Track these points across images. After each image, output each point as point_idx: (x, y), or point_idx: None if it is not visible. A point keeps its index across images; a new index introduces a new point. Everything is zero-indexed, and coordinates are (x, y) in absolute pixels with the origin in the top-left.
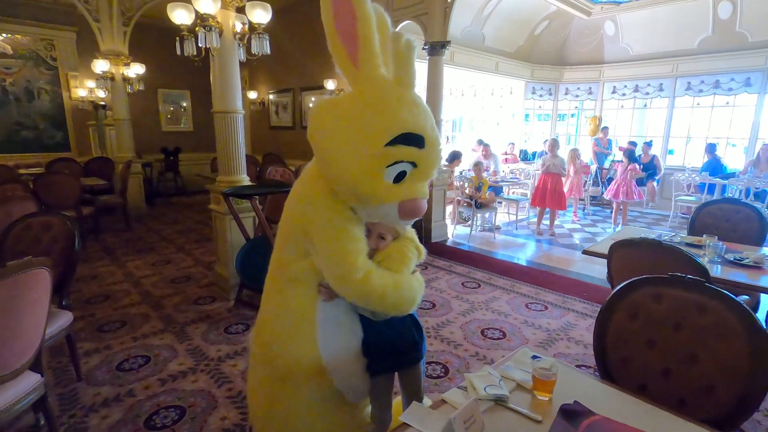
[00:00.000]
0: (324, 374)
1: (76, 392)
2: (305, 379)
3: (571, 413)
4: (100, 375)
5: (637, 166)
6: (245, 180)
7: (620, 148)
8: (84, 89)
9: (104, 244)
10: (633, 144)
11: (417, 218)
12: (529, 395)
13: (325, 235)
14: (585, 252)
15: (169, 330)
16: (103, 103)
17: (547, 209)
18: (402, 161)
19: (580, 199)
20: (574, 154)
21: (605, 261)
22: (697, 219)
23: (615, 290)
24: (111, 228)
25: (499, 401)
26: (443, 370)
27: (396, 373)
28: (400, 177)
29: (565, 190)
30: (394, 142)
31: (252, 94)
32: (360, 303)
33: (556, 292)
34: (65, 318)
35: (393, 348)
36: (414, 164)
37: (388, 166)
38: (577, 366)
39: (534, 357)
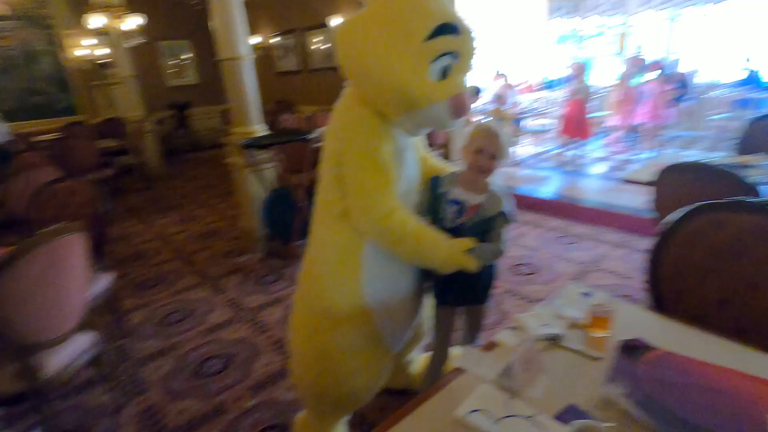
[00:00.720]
0: (365, 314)
1: (124, 348)
2: (346, 316)
3: (632, 348)
4: (145, 330)
5: (672, 86)
6: (261, 130)
7: (651, 66)
8: (82, 48)
9: (128, 205)
10: (664, 61)
11: (465, 116)
12: (582, 333)
13: (358, 163)
14: (627, 180)
15: (205, 284)
16: (104, 61)
17: (574, 139)
18: (444, 54)
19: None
20: (635, 62)
21: (639, 190)
22: (749, 136)
23: (673, 217)
24: (132, 188)
25: (554, 340)
26: None
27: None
28: (444, 72)
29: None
30: (432, 35)
31: (254, 40)
32: (375, 240)
33: (586, 224)
34: (107, 279)
35: (469, 282)
36: (455, 55)
37: (432, 62)
38: (614, 297)
39: (585, 294)
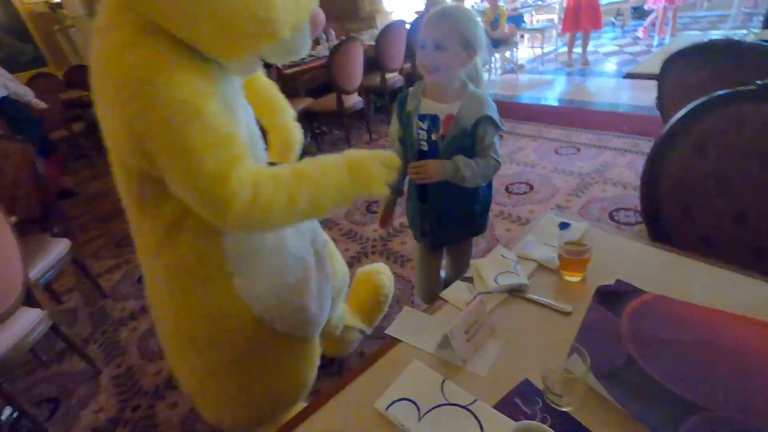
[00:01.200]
0: (260, 325)
1: (104, 309)
2: (239, 341)
3: (611, 295)
4: (123, 289)
5: None
6: None
7: None
8: None
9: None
10: None
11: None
12: (555, 277)
13: (177, 130)
14: (628, 75)
15: None
16: (58, 1)
17: (579, 34)
18: None
19: (619, 14)
20: None
21: (649, 86)
22: None
23: (677, 117)
24: None
25: (517, 292)
26: None
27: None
28: None
29: None
30: None
31: None
32: (246, 226)
33: (589, 131)
34: (61, 245)
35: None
36: None
37: None
38: (615, 210)
39: (562, 225)
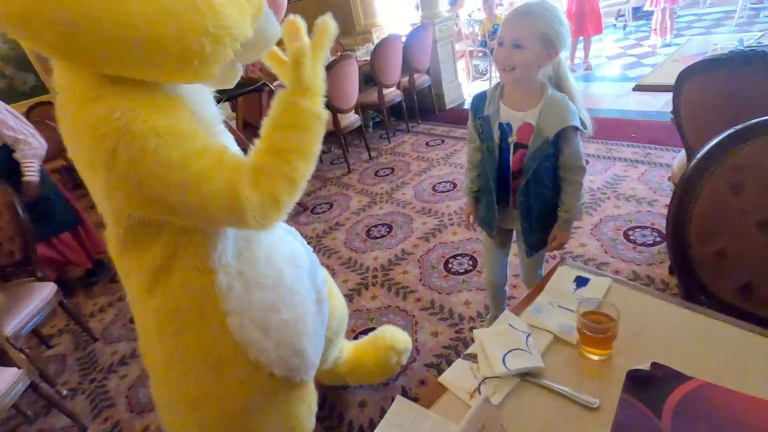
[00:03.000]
0: (257, 371)
1: (94, 353)
2: (234, 390)
3: (647, 384)
4: (115, 331)
5: None
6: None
7: None
8: None
9: None
10: None
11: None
12: (574, 352)
13: (182, 165)
14: (637, 88)
15: None
16: None
17: (581, 38)
18: None
19: (620, 15)
20: None
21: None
22: None
23: (707, 148)
24: None
25: (529, 376)
26: (471, 263)
27: None
28: None
29: None
30: None
31: None
32: (291, 203)
33: (598, 141)
34: (47, 290)
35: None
36: None
37: None
38: (630, 229)
39: (579, 281)
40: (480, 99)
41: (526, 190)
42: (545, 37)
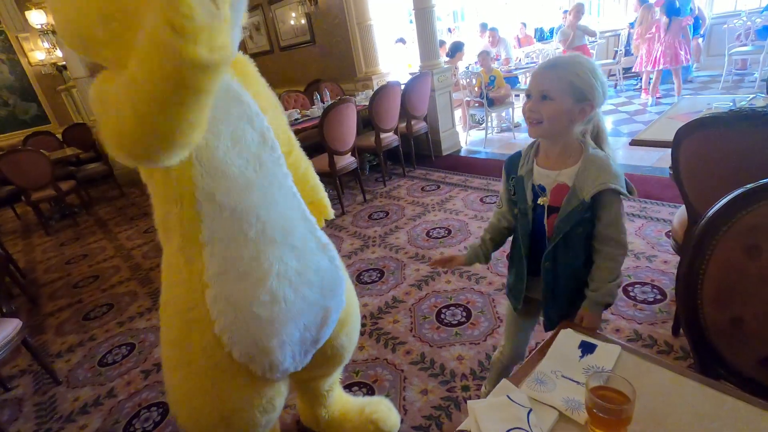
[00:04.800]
0: (218, 346)
1: (55, 399)
2: (198, 356)
3: None
4: (81, 374)
5: (685, 18)
6: None
7: (655, 3)
8: (41, 51)
9: (97, 217)
10: None
11: None
12: (582, 431)
13: None
14: (634, 143)
15: (156, 308)
16: (64, 63)
17: None
18: None
19: (611, 75)
20: (648, 11)
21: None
22: None
23: (717, 208)
24: (105, 197)
25: None
26: (464, 314)
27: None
28: None
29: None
30: None
31: None
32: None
33: None
34: (10, 327)
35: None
36: None
37: None
38: (630, 285)
39: (584, 347)
40: (514, 159)
41: (553, 256)
42: (576, 89)
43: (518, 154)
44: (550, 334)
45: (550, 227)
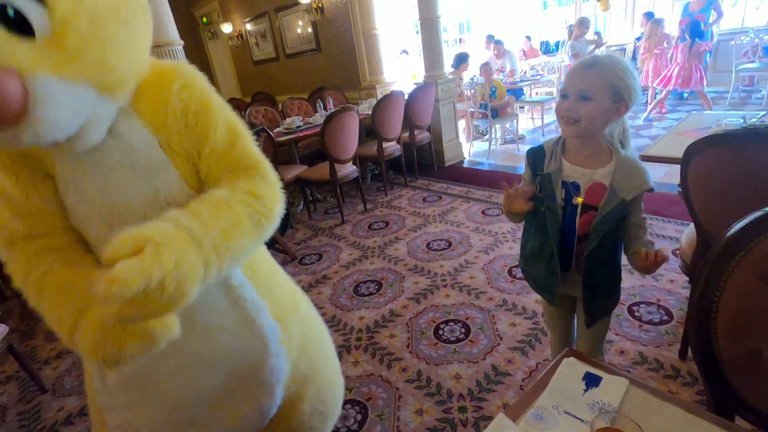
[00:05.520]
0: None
1: (40, 407)
2: None
3: None
4: (68, 382)
5: (706, 44)
6: None
7: (680, 23)
8: None
9: None
10: (690, 16)
11: None
12: None
13: None
14: (643, 158)
15: None
16: None
17: None
18: None
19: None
20: (656, 26)
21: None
22: None
23: (732, 232)
24: None
25: None
26: (463, 330)
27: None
28: None
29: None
30: None
31: (226, 27)
32: None
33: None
34: None
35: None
36: None
37: None
38: (635, 305)
39: (588, 379)
40: (538, 153)
41: (594, 256)
42: (615, 89)
43: (540, 149)
44: (550, 362)
45: (583, 225)
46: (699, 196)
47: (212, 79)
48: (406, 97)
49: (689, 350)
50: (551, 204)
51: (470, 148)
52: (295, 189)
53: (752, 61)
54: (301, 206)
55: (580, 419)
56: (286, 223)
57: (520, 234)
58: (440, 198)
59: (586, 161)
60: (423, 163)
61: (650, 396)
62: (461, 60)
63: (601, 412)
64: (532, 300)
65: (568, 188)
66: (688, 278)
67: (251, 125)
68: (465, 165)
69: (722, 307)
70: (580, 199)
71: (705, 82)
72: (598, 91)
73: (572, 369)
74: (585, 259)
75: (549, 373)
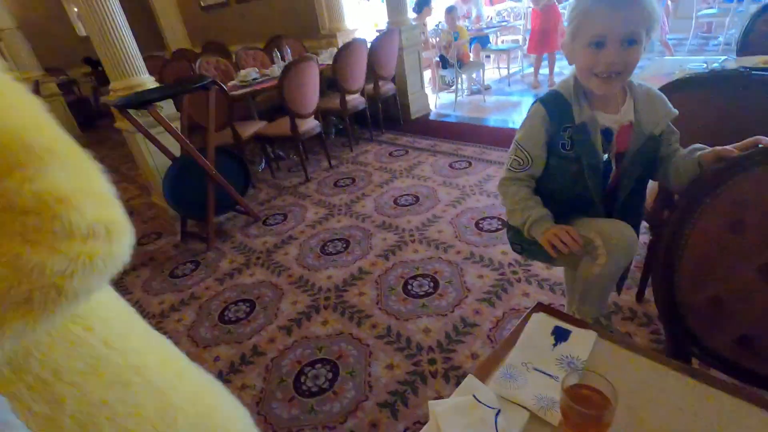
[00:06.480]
0: None
1: None
2: None
3: None
4: None
5: None
6: (147, 83)
7: None
8: None
9: None
10: None
11: None
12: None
13: None
14: None
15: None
16: None
17: (545, 55)
18: None
19: None
20: None
21: None
22: (753, 32)
23: (696, 181)
24: None
25: None
26: (431, 284)
27: None
28: None
29: None
30: None
31: None
32: None
33: None
34: None
35: None
36: None
37: None
38: None
39: (558, 333)
40: (561, 103)
41: (629, 207)
42: (651, 21)
43: (561, 98)
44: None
45: (616, 176)
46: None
47: (157, 28)
48: (368, 45)
49: (645, 293)
50: (592, 160)
51: (437, 99)
52: (255, 147)
53: (712, 7)
54: (263, 165)
55: (550, 375)
56: (247, 183)
57: (488, 186)
58: (407, 152)
59: (610, 106)
60: (389, 116)
61: (618, 348)
62: (423, 3)
63: (571, 368)
64: (499, 251)
65: (606, 137)
66: (648, 225)
67: (198, 77)
68: (431, 117)
69: (686, 255)
70: (613, 148)
71: (667, 28)
72: (642, 30)
73: (541, 324)
74: (617, 209)
75: (518, 329)
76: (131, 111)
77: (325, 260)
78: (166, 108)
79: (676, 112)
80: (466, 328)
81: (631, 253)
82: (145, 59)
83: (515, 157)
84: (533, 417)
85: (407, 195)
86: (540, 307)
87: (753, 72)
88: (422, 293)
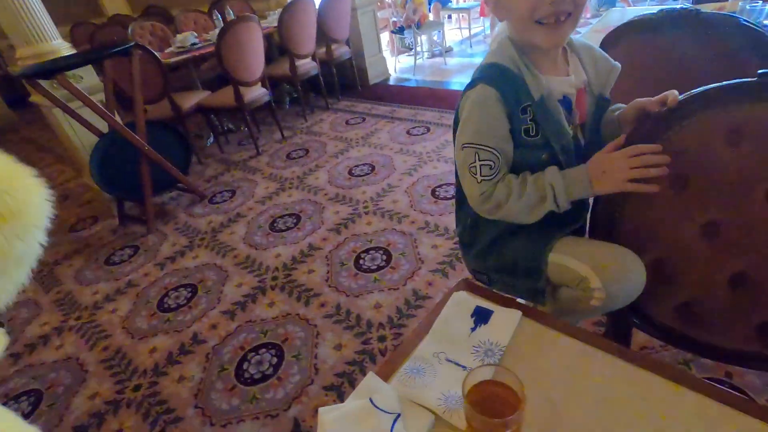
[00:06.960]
0: None
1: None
2: None
3: None
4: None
5: None
6: (61, 50)
7: None
8: None
9: None
10: None
11: None
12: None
13: None
14: None
15: (33, 278)
16: None
17: None
18: None
19: None
20: None
21: None
22: None
23: (640, 129)
24: None
25: None
26: (384, 258)
27: None
28: None
29: None
30: None
31: None
32: None
33: None
34: None
35: None
36: None
37: None
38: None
39: (478, 314)
40: (510, 77)
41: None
42: None
43: (506, 71)
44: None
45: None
46: (614, 90)
47: None
48: (317, 5)
49: None
50: (563, 140)
51: (396, 63)
52: (202, 120)
53: None
54: (211, 139)
55: (463, 366)
56: (188, 158)
57: (445, 152)
58: (363, 120)
59: (556, 66)
60: (346, 83)
61: (544, 328)
62: None
63: (487, 356)
64: (454, 219)
65: (566, 107)
66: None
67: (121, 41)
68: (391, 82)
69: (627, 215)
70: (575, 119)
71: None
72: None
73: (461, 305)
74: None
75: (435, 312)
76: (45, 83)
77: (274, 238)
78: (88, 78)
79: (619, 65)
80: (419, 301)
81: (636, 291)
82: (72, 27)
83: (481, 163)
84: (439, 420)
85: (363, 165)
86: (463, 284)
87: (700, 11)
88: (374, 267)
